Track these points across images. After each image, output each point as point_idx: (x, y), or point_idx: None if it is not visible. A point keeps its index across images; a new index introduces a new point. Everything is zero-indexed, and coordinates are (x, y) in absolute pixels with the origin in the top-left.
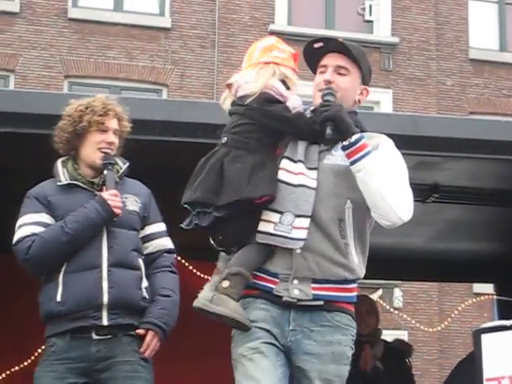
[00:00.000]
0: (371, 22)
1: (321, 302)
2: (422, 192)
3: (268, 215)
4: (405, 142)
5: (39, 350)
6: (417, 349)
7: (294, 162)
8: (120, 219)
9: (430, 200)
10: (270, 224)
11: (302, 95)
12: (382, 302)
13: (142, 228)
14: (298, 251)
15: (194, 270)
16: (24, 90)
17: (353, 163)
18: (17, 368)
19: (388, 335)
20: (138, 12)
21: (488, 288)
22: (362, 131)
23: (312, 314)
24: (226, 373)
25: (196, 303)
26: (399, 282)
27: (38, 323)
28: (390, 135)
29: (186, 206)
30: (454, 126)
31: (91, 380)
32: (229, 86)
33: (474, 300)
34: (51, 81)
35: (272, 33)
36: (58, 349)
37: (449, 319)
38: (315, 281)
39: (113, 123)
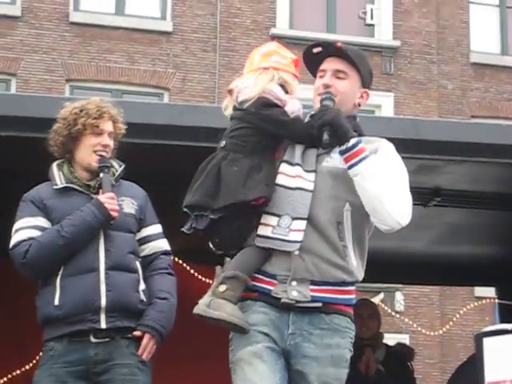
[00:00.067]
0: (372, 25)
1: (319, 304)
2: (424, 196)
3: (266, 219)
4: (406, 146)
5: (40, 354)
6: (418, 352)
7: (292, 165)
8: (116, 222)
9: (431, 204)
10: (268, 227)
11: (302, 99)
12: (383, 305)
13: (139, 230)
14: (296, 253)
15: (196, 274)
16: (26, 94)
17: (350, 168)
18: (18, 372)
19: (389, 339)
20: (140, 16)
21: (490, 291)
22: (360, 135)
23: (311, 317)
24: (224, 377)
25: (196, 310)
26: (401, 285)
27: (39, 327)
28: (391, 139)
29: (185, 209)
30: (455, 129)
31: (90, 383)
32: (230, 91)
33: (476, 304)
34: (53, 85)
35: (273, 37)
36: (56, 353)
37: (450, 323)
38: (313, 282)
39: (108, 126)
